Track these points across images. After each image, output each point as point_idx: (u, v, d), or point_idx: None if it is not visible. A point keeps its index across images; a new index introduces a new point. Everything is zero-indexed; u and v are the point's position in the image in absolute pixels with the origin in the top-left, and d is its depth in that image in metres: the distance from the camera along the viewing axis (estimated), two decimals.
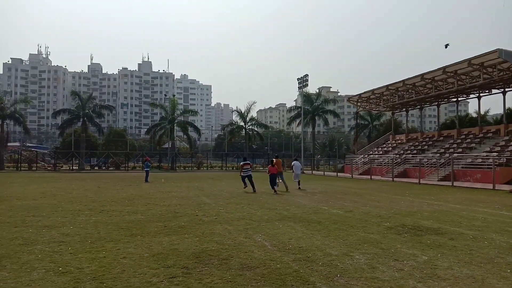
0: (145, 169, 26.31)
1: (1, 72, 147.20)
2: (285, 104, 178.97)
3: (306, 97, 54.56)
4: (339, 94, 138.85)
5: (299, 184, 21.54)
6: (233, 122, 59.33)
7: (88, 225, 8.99)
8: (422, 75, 33.71)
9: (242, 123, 57.02)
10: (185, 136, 57.57)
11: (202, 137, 69.72)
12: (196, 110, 65.94)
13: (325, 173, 42.49)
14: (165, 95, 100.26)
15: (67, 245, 6.87)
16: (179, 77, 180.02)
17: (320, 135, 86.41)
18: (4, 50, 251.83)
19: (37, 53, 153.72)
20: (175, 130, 55.27)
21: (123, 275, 5.16)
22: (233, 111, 58.64)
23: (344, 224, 9.42)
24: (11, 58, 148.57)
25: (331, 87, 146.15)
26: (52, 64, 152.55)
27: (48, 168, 51.54)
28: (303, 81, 45.67)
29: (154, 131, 55.84)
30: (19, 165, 49.14)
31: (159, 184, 23.82)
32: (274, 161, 19.71)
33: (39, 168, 49.52)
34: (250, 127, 57.34)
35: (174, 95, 66.94)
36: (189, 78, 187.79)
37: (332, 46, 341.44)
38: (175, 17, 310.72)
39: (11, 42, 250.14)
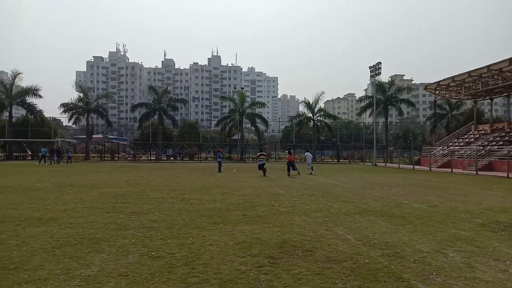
0: (217, 160, 27.07)
1: (85, 70, 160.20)
2: (354, 94, 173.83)
3: (379, 86, 52.36)
4: (413, 82, 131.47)
5: (312, 170, 26.44)
6: (301, 114, 58.85)
7: (172, 212, 9.40)
8: (510, 59, 30.63)
9: (310, 114, 56.37)
10: (253, 128, 58.33)
11: (269, 128, 70.09)
12: (263, 102, 66.26)
13: (400, 165, 40.57)
14: (234, 88, 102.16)
15: (156, 230, 7.23)
16: (246, 70, 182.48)
17: (392, 126, 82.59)
18: (87, 49, 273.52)
19: (115, 51, 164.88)
20: (243, 122, 56.20)
21: (212, 261, 5.29)
22: (300, 102, 58.22)
23: (430, 220, 8.85)
24: (93, 57, 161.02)
25: (404, 75, 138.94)
26: (130, 61, 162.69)
27: (128, 158, 55.30)
28: (375, 69, 43.81)
29: (224, 123, 57.26)
30: (103, 155, 53.32)
31: (231, 174, 24.37)
32: (292, 152, 25.78)
33: (120, 158, 53.32)
34: (318, 118, 56.48)
35: (242, 88, 67.93)
36: (256, 70, 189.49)
37: (404, 33, 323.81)
38: (243, 11, 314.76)
39: (92, 41, 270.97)
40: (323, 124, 56.97)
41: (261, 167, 23.11)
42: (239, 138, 54.95)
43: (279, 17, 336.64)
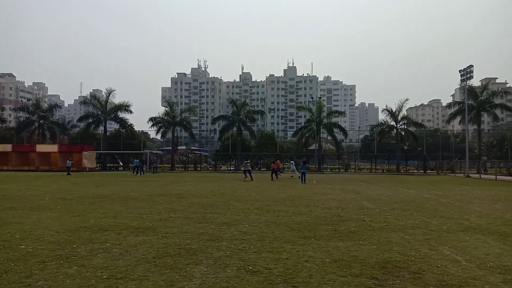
0: (301, 171, 26.79)
1: (170, 86, 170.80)
2: (439, 100, 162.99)
3: (470, 91, 48.32)
4: (507, 85, 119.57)
5: (292, 176, 32.64)
6: (383, 122, 56.33)
7: (260, 224, 9.33)
8: None
9: (392, 123, 53.79)
10: (329, 138, 57.14)
11: (347, 138, 68.15)
12: (342, 110, 64.74)
13: (497, 176, 36.75)
14: (311, 98, 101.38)
15: (249, 243, 7.16)
16: (322, 79, 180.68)
17: (485, 134, 75.53)
18: (172, 66, 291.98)
19: (197, 67, 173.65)
20: (321, 131, 55.35)
21: (312, 280, 5.03)
22: (382, 110, 55.59)
23: None
24: (176, 73, 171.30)
25: (497, 78, 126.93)
26: (210, 76, 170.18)
27: (210, 168, 57.36)
28: (466, 73, 40.50)
29: (301, 134, 56.92)
30: (186, 165, 55.96)
31: (311, 185, 23.93)
32: (278, 161, 34.86)
33: (202, 169, 55.51)
34: (402, 126, 53.63)
35: (320, 97, 67.25)
36: (332, 79, 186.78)
37: (495, 33, 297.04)
38: (317, 19, 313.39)
39: (176, 58, 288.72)
40: (408, 132, 53.95)
41: (249, 172, 29.43)
42: (317, 148, 54.14)
43: (354, 20, 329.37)
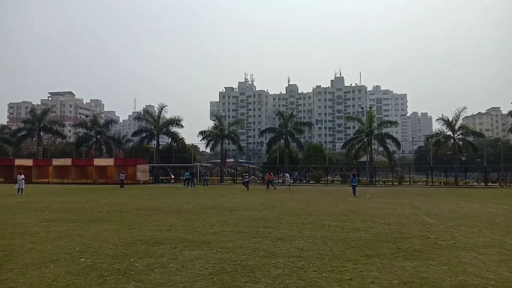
0: (352, 184, 25.95)
1: (218, 100, 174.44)
2: (498, 107, 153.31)
3: None
4: None
5: (289, 187, 38.00)
6: (439, 132, 53.60)
7: (316, 240, 8.94)
8: None
9: (449, 132, 51.08)
10: (380, 149, 55.10)
11: (400, 149, 65.46)
12: (394, 120, 62.46)
13: None
14: (361, 108, 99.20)
15: (307, 261, 6.81)
16: (371, 89, 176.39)
17: None
18: (220, 81, 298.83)
19: (244, 81, 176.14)
20: (372, 143, 53.66)
21: None
22: (437, 119, 52.95)
23: None
24: (224, 88, 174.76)
25: None
26: (256, 89, 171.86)
27: (258, 181, 57.34)
28: None
29: (351, 145, 55.53)
30: (235, 178, 56.35)
31: (365, 199, 23.02)
32: (271, 173, 39.12)
33: (250, 181, 55.59)
34: (460, 136, 50.74)
35: (371, 108, 65.36)
36: (382, 88, 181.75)
37: None
38: (366, 31, 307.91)
39: (224, 74, 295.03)
40: (466, 143, 50.95)
41: (247, 184, 34.75)
42: (368, 160, 52.47)
43: (404, 29, 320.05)
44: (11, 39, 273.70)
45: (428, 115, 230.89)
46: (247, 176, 36.57)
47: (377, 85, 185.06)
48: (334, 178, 58.53)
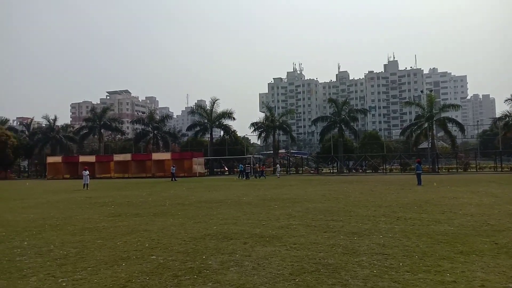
0: (416, 172, 24.42)
1: (267, 91, 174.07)
2: None
3: None
4: None
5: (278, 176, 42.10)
6: (508, 113, 49.40)
7: (396, 234, 8.14)
8: None
9: None
10: (439, 135, 51.77)
11: (464, 133, 61.20)
12: (456, 104, 58.53)
13: None
14: (421, 91, 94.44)
15: (394, 259, 6.09)
16: (427, 72, 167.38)
17: None
18: (268, 73, 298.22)
19: (292, 70, 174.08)
20: (433, 128, 50.61)
21: None
22: (506, 100, 48.79)
23: None
24: (273, 79, 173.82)
25: None
26: (305, 78, 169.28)
27: (311, 171, 56.34)
28: None
29: (410, 131, 52.76)
30: (288, 169, 55.74)
31: (433, 188, 21.47)
32: (263, 166, 44.39)
33: (304, 172, 54.76)
34: None
35: (431, 91, 61.84)
36: (439, 71, 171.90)
37: None
38: (416, 9, 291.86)
39: (273, 65, 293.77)
40: None
41: (246, 174, 39.19)
42: (429, 146, 49.59)
43: (460, 13, 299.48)
44: (69, 41, 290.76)
45: (490, 97, 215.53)
46: (249, 166, 41.65)
47: (434, 68, 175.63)
48: (392, 167, 56.03)
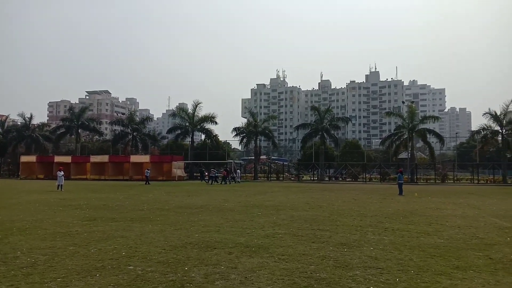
0: (398, 181, 24.44)
1: (249, 97, 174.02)
2: None
3: None
4: None
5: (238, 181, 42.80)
6: (485, 127, 50.44)
7: (386, 246, 7.83)
8: None
9: (497, 127, 47.94)
10: (419, 146, 52.46)
11: (444, 145, 62.34)
12: (436, 115, 59.48)
13: None
14: (403, 102, 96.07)
15: (390, 273, 5.75)
16: (407, 84, 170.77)
17: None
18: (252, 78, 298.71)
19: (276, 77, 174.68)
20: (413, 139, 51.25)
21: None
22: (484, 113, 49.73)
23: None
24: (256, 85, 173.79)
25: None
26: (288, 85, 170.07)
27: (292, 178, 56.15)
28: None
29: (391, 141, 53.26)
30: (269, 175, 55.41)
31: (414, 198, 21.47)
32: (228, 170, 41.89)
33: (285, 178, 54.53)
34: (509, 131, 47.54)
35: (412, 102, 62.77)
36: (418, 83, 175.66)
37: None
38: (399, 22, 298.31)
39: (256, 71, 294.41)
40: None
41: (211, 179, 38.81)
42: (409, 157, 50.16)
43: (441, 26, 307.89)
44: (49, 39, 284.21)
45: (466, 110, 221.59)
46: (215, 171, 41.67)
47: (413, 80, 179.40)
48: (371, 176, 56.43)
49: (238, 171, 47.73)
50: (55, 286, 5.08)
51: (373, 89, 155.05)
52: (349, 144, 62.80)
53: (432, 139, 53.36)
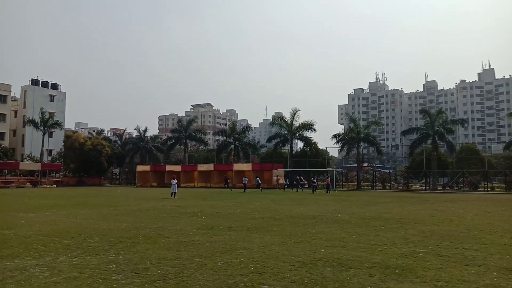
0: None
1: (346, 103, 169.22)
2: None
3: None
4: None
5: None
6: None
7: None
8: None
9: None
10: None
11: None
12: None
13: None
14: None
15: None
16: None
17: None
18: (347, 84, 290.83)
19: (375, 80, 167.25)
20: None
21: None
22: None
23: None
24: (353, 89, 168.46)
25: None
26: (389, 89, 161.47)
27: (399, 187, 52.33)
28: None
29: None
30: (374, 184, 52.44)
31: None
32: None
33: (392, 187, 51.04)
34: None
35: None
36: None
37: None
38: None
39: (353, 76, 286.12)
40: None
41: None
42: None
43: None
44: (157, 63, 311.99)
45: None
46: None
47: None
48: (494, 184, 49.92)
49: (245, 178, 43.57)
50: None
51: (487, 88, 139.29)
52: (466, 149, 56.56)
53: None
